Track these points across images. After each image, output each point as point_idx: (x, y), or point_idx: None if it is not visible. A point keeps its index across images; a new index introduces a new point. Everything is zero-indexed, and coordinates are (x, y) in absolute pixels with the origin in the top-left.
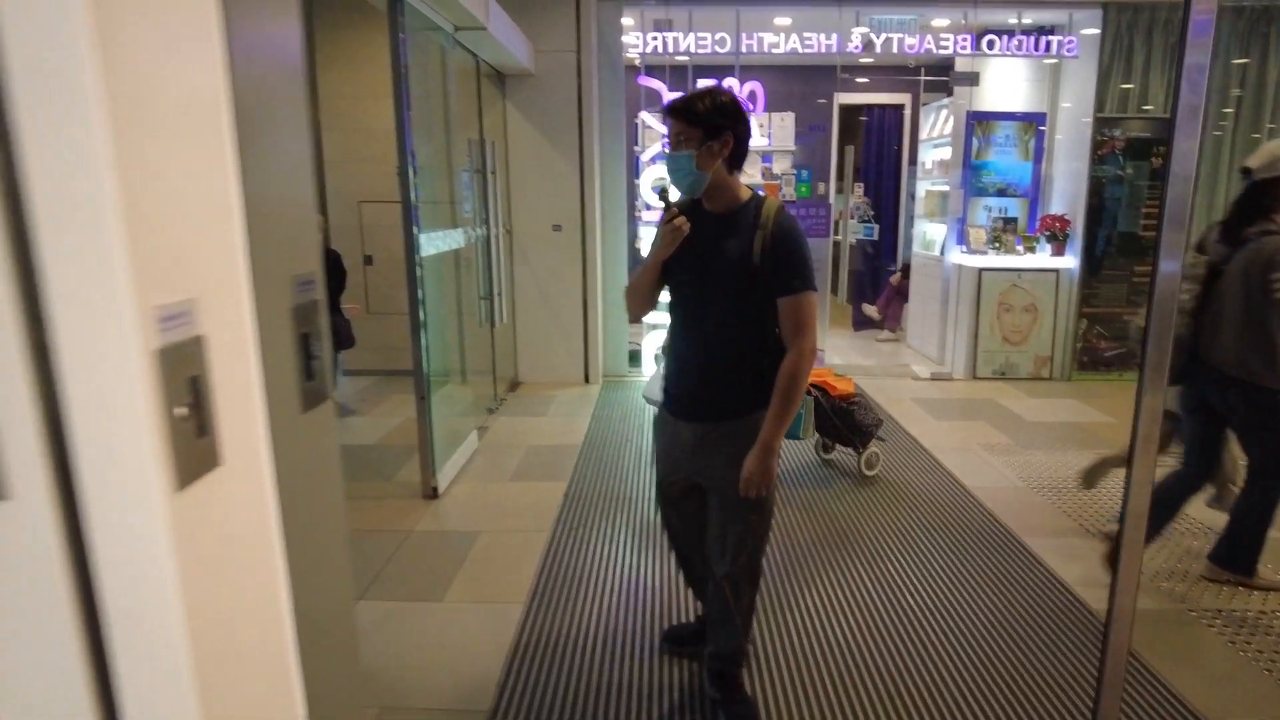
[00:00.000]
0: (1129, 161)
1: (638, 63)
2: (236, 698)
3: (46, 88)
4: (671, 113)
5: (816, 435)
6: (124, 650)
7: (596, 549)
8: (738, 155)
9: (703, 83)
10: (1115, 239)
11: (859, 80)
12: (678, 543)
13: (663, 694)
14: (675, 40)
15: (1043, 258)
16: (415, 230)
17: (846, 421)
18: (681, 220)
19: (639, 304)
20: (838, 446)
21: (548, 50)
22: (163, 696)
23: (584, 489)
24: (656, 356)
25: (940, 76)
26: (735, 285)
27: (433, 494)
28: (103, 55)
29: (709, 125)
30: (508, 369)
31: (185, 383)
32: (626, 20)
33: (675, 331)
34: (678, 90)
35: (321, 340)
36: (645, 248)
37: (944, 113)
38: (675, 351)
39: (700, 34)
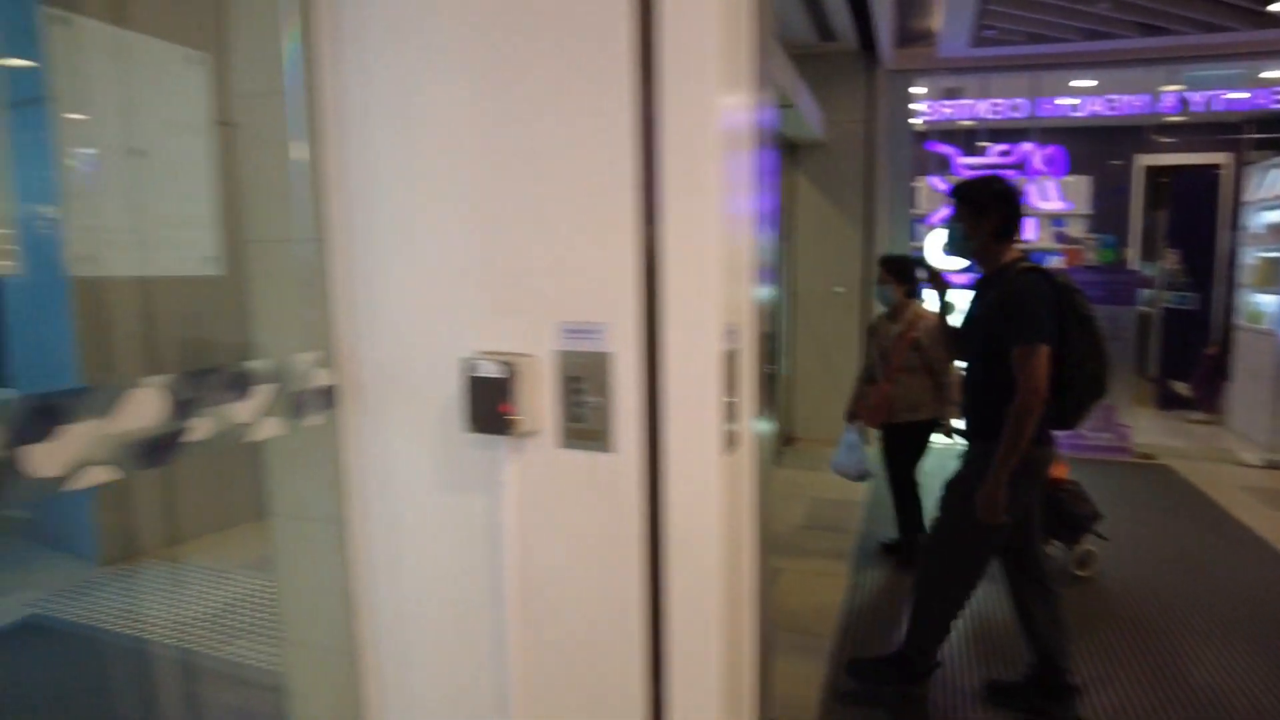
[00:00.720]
0: None
1: (922, 128)
2: (733, 617)
3: (693, 205)
4: (952, 193)
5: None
6: (677, 563)
7: (898, 595)
8: (1004, 230)
9: (995, 148)
10: None
11: (1164, 140)
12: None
13: None
14: (968, 107)
15: None
16: None
17: (1054, 510)
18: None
19: (949, 353)
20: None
21: (839, 120)
22: (696, 609)
23: (874, 541)
24: (846, 417)
25: (1271, 133)
26: (979, 334)
27: None
28: (721, 169)
29: (977, 205)
30: (783, 423)
31: (730, 379)
32: (916, 89)
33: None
34: (970, 155)
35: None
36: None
37: (1276, 172)
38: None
39: (995, 102)
